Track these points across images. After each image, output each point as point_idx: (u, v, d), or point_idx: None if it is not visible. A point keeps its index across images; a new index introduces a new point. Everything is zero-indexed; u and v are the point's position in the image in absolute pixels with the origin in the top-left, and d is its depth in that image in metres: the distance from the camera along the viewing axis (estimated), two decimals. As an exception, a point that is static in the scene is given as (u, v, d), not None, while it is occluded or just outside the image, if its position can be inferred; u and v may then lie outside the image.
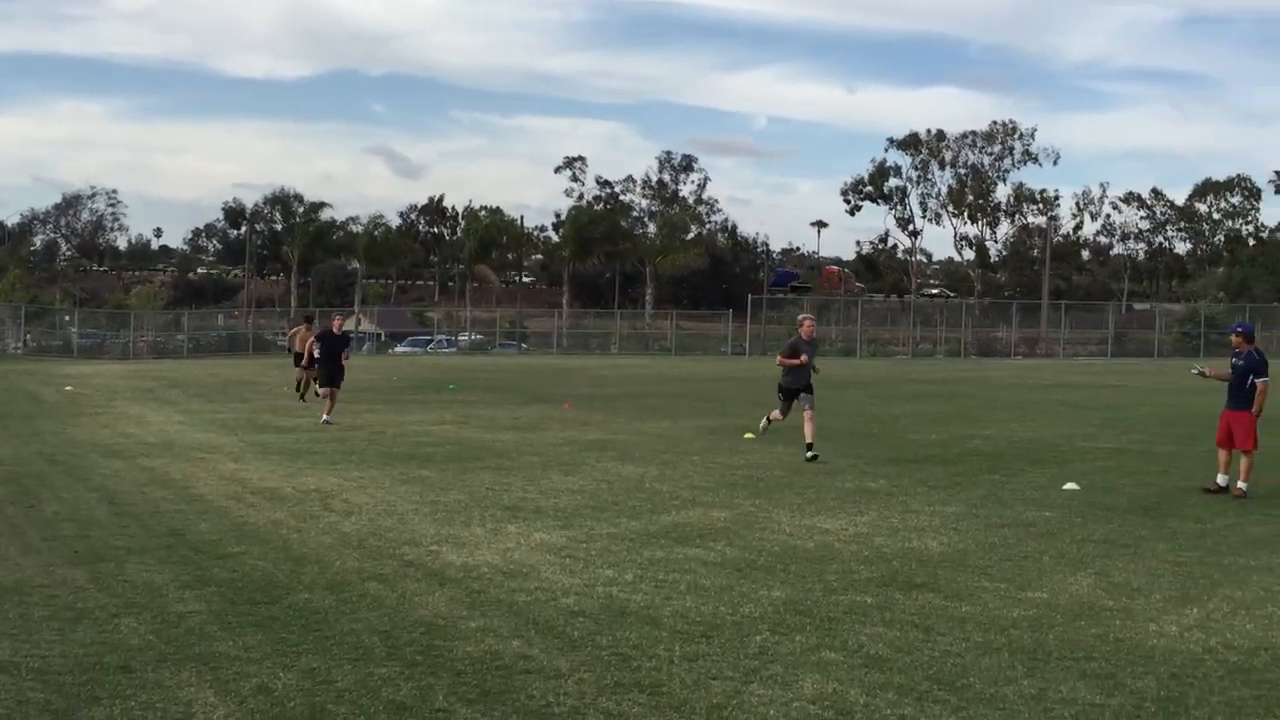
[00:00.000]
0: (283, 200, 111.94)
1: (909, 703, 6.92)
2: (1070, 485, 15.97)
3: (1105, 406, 31.36)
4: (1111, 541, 12.11)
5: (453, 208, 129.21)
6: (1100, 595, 9.75)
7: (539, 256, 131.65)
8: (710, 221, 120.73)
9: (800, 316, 20.42)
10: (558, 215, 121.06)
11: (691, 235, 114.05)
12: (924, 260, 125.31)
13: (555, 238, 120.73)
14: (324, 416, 24.10)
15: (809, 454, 18.12)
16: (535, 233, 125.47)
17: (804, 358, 19.15)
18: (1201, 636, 8.49)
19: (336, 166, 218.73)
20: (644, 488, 15.41)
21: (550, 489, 15.21)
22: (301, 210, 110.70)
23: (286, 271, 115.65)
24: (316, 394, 26.56)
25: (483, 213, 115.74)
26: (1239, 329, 16.36)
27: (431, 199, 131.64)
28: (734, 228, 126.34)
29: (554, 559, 10.85)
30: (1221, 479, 15.66)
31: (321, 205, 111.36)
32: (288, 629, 8.39)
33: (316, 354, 25.65)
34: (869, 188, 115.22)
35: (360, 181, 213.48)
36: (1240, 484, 15.47)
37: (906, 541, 11.91)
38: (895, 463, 18.35)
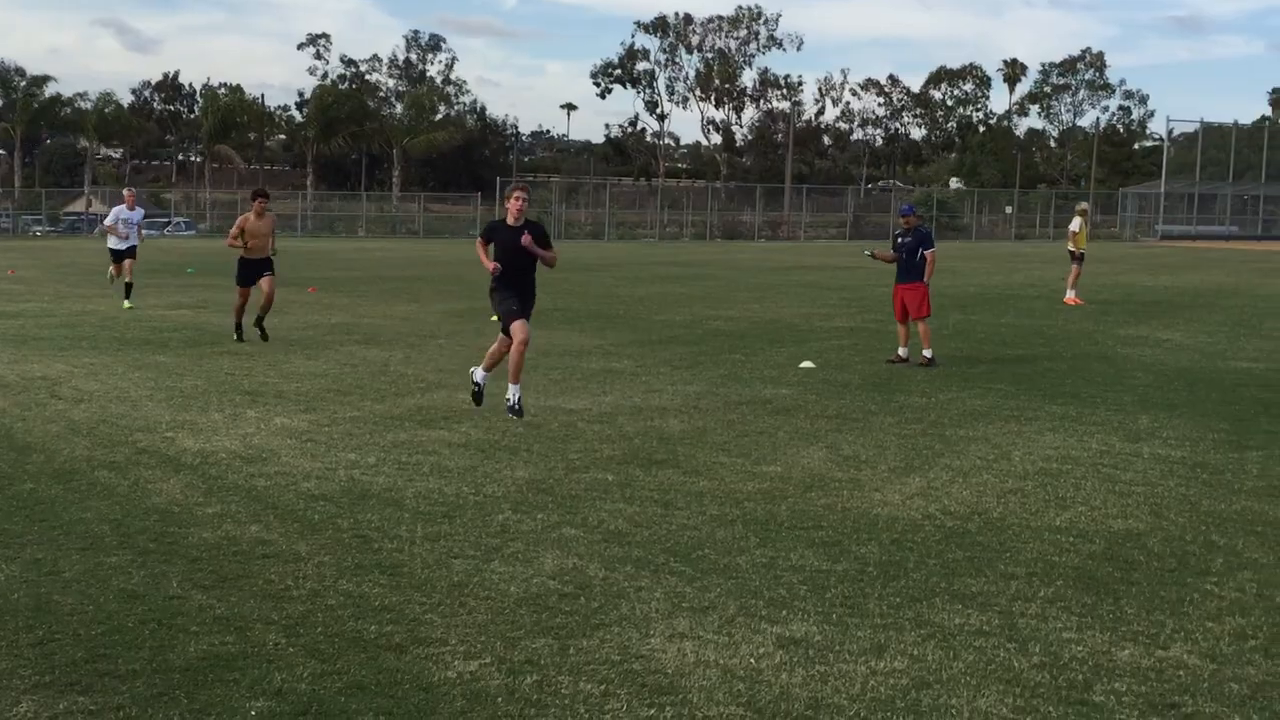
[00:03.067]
0: (1, 74, 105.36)
1: (646, 575, 7.11)
2: (807, 363, 16.51)
3: (842, 287, 32.39)
4: (843, 416, 12.59)
5: (190, 85, 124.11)
6: (830, 468, 10.16)
7: (282, 137, 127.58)
8: (459, 103, 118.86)
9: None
10: (301, 95, 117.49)
11: (440, 117, 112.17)
12: (672, 144, 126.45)
13: (299, 118, 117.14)
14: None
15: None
16: (278, 113, 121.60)
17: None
18: (922, 504, 8.94)
19: (63, 39, 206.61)
20: (388, 371, 15.28)
21: (292, 373, 14.94)
22: (23, 85, 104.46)
23: (9, 150, 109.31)
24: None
25: (222, 91, 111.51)
26: (906, 211, 17.43)
27: (166, 75, 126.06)
28: (483, 109, 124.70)
29: (295, 443, 10.70)
30: (902, 351, 16.88)
31: (45, 79, 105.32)
32: (11, 520, 8.08)
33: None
34: (618, 71, 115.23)
35: (89, 56, 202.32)
36: (925, 351, 16.69)
37: (649, 420, 12.15)
38: (640, 344, 18.63)
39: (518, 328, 11.99)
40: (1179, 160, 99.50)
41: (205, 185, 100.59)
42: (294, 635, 6.03)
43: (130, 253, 24.46)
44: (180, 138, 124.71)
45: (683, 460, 10.30)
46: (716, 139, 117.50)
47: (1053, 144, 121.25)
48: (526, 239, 12.09)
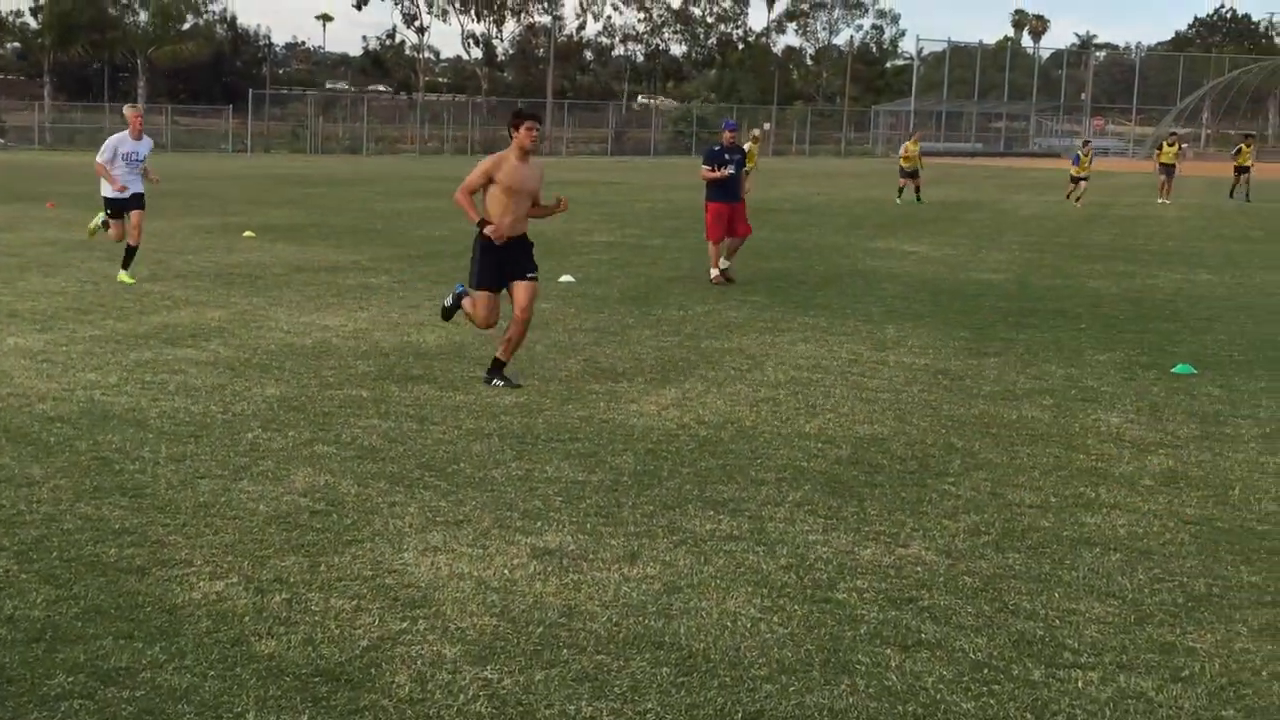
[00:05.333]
0: None
1: (400, 490, 7.03)
2: (566, 278, 16.53)
3: (603, 202, 32.48)
4: (601, 330, 12.65)
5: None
6: (588, 380, 10.20)
7: (15, 45, 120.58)
8: (208, 12, 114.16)
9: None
10: (36, 0, 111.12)
11: (187, 26, 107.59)
12: (432, 58, 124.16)
13: (34, 25, 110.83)
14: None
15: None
16: (10, 18, 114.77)
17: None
18: (677, 414, 9.06)
19: None
20: (132, 289, 14.68)
21: (28, 291, 14.23)
22: None
23: None
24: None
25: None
26: (731, 126, 17.22)
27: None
28: (234, 19, 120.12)
29: (29, 364, 10.20)
30: (717, 269, 16.69)
31: None
32: None
33: None
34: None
35: None
36: (727, 263, 16.90)
37: (405, 336, 11.99)
38: (398, 259, 18.34)
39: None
40: (928, 79, 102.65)
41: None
42: (26, 561, 5.76)
43: (137, 202, 15.54)
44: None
45: (439, 375, 10.20)
46: (477, 53, 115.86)
47: (809, 62, 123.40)
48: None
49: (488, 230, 9.55)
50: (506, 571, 5.81)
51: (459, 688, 4.61)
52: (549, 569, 5.85)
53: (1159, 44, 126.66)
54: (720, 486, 7.29)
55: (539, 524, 6.51)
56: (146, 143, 15.50)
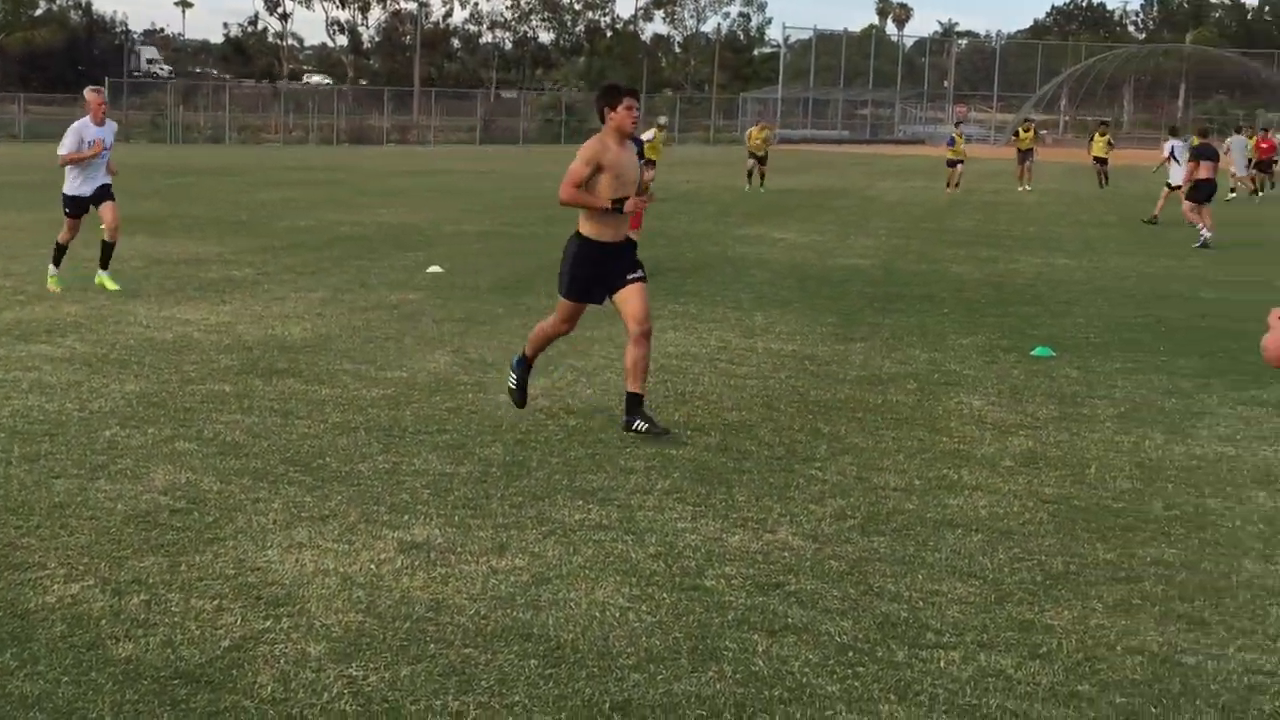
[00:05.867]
0: None
1: (264, 486, 6.91)
2: (434, 268, 16.38)
3: (472, 191, 32.27)
4: (470, 320, 12.56)
5: None
6: (457, 371, 10.12)
7: None
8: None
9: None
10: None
11: (40, 12, 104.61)
12: (296, 45, 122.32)
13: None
14: None
15: None
16: None
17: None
18: (546, 404, 9.03)
19: None
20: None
21: (-128, 288, 13.73)
22: None
23: None
24: None
25: None
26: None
27: None
28: (89, 5, 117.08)
29: (-126, 364, 9.84)
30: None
31: None
32: None
33: None
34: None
35: None
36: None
37: (270, 329, 11.78)
38: (262, 251, 18.02)
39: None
40: (795, 66, 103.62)
41: None
42: None
43: (104, 194, 13.81)
44: None
45: (304, 369, 10.04)
46: (343, 40, 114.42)
47: (678, 49, 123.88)
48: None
49: (628, 205, 8.15)
50: (373, 567, 5.74)
51: (323, 686, 4.54)
52: (416, 563, 5.79)
53: (1018, 32, 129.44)
54: (589, 476, 7.29)
55: (406, 518, 6.44)
56: (110, 127, 13.89)
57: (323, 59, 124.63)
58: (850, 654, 4.92)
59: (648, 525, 6.43)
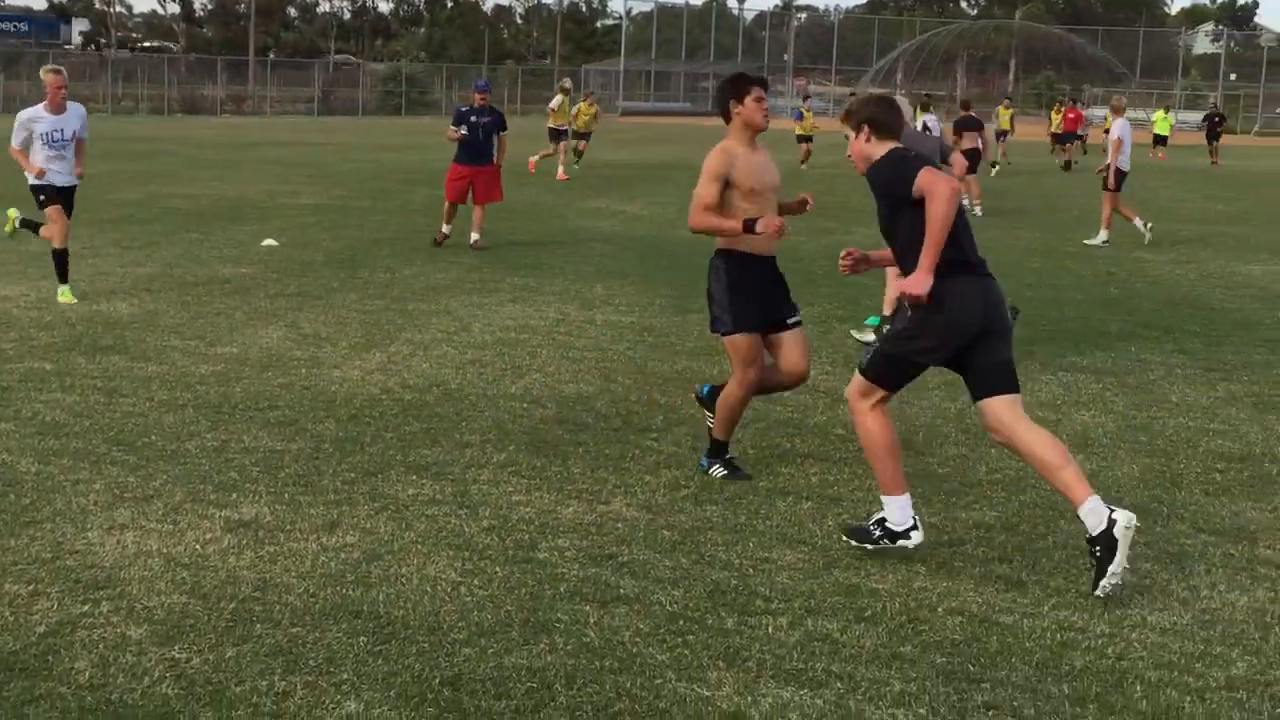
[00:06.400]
0: None
1: (85, 466, 6.72)
2: (269, 241, 16.08)
3: (309, 164, 31.70)
4: (305, 294, 12.36)
5: None
6: (289, 346, 9.95)
7: None
8: None
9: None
10: None
11: None
12: (125, 12, 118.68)
13: None
14: None
15: None
16: None
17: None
18: (381, 379, 8.93)
19: None
20: None
21: None
22: None
23: None
24: None
25: None
26: (483, 87, 16.88)
27: None
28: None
29: None
30: (446, 229, 16.38)
31: None
32: None
33: None
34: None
35: None
36: (475, 234, 16.23)
37: (94, 305, 11.45)
38: (88, 224, 17.42)
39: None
40: (637, 38, 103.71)
41: None
42: None
43: (68, 195, 11.88)
44: None
45: (131, 345, 9.78)
46: (174, 7, 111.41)
47: (519, 21, 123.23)
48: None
49: (760, 226, 6.63)
50: (198, 547, 5.62)
51: (143, 670, 4.43)
52: (244, 542, 5.69)
53: (856, 7, 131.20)
54: (424, 450, 7.23)
55: (234, 496, 6.32)
56: (74, 113, 11.61)
57: (153, 27, 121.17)
58: (680, 622, 4.97)
59: (482, 499, 6.40)
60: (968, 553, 5.84)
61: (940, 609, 5.17)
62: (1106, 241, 18.56)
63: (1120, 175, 18.65)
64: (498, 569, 5.47)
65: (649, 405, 8.42)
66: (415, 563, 5.51)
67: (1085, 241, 18.65)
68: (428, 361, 9.54)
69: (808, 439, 7.71)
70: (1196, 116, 48.19)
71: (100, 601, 4.99)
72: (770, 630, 4.92)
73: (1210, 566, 5.72)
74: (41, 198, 11.65)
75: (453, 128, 16.49)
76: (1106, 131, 39.58)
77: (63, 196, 11.70)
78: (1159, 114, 47.19)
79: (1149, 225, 18.81)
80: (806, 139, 36.16)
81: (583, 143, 31.75)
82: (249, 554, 5.55)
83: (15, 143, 11.50)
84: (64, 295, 11.68)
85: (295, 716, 4.16)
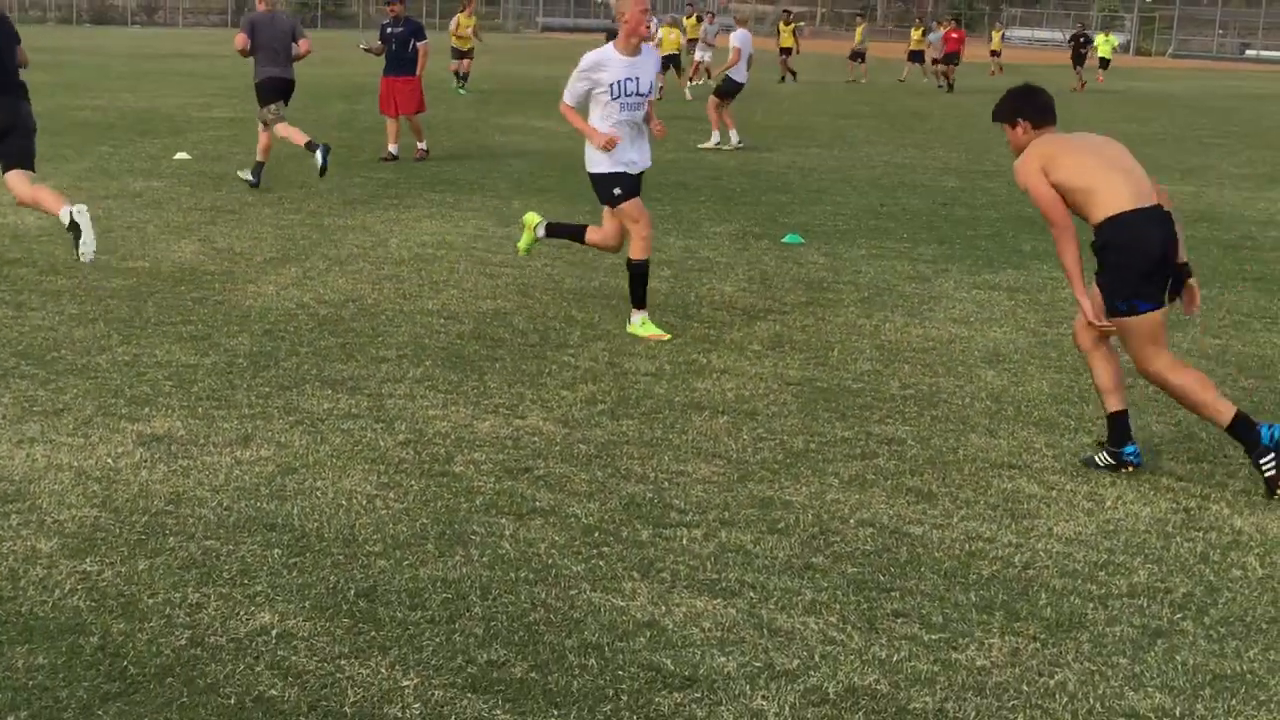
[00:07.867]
0: None
1: (-7, 381, 6.61)
2: (182, 155, 15.82)
3: (223, 76, 31.08)
4: (219, 209, 12.18)
5: None
6: (203, 261, 9.83)
7: None
8: None
9: None
10: None
11: None
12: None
13: None
14: None
15: None
16: None
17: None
18: (297, 294, 8.85)
19: None
20: None
21: None
22: None
23: None
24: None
25: None
26: None
27: None
28: None
29: None
30: (393, 148, 16.36)
31: None
32: None
33: None
34: None
35: None
36: (421, 144, 16.61)
37: (2, 218, 11.20)
38: (-7, 135, 17.03)
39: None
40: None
41: None
42: None
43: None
44: None
45: (39, 259, 9.61)
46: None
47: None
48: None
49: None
50: (110, 461, 5.57)
51: (55, 582, 4.40)
52: (156, 456, 5.64)
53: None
54: (340, 365, 7.19)
55: (146, 410, 6.26)
56: None
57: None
58: (596, 534, 5.01)
59: (398, 413, 6.39)
60: (879, 465, 5.92)
61: (852, 520, 5.26)
62: (719, 143, 19.24)
63: (734, 85, 19.29)
64: (413, 483, 5.47)
65: (566, 321, 8.42)
66: (330, 476, 5.50)
67: (699, 145, 19.23)
68: (344, 277, 9.46)
69: (724, 354, 7.76)
70: (1114, 40, 48.29)
71: (10, 515, 4.94)
72: (685, 542, 4.98)
73: (1115, 478, 5.85)
74: None
75: (378, 42, 16.60)
76: (994, 53, 39.18)
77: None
78: (1100, 36, 47.38)
79: (741, 142, 19.29)
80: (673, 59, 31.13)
81: (465, 62, 29.50)
82: (161, 468, 5.51)
83: None
84: None
85: (209, 628, 4.15)
